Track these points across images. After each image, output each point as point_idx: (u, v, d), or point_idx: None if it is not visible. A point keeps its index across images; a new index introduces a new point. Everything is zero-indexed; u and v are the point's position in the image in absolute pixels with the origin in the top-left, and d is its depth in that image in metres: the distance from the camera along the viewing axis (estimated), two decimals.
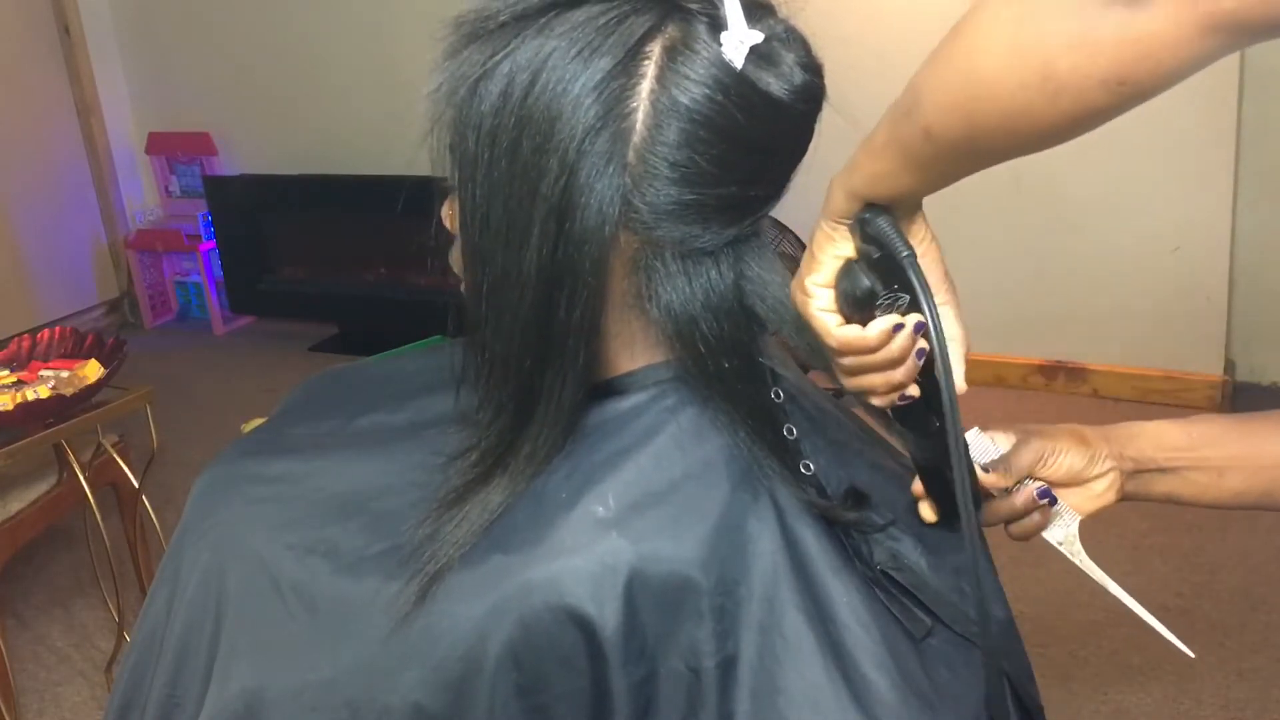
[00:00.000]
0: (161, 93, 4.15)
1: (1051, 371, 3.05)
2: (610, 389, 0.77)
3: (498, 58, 0.66)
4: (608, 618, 0.68)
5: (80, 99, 4.05)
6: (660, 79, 0.65)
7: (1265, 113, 2.77)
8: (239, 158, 4.06)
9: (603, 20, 0.64)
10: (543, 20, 0.65)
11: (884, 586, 0.75)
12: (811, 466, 0.75)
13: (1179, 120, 2.72)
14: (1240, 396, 2.98)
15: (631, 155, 0.66)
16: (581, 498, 0.71)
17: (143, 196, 4.28)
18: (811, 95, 0.69)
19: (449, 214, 0.74)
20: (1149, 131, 2.77)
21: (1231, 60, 2.64)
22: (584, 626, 0.68)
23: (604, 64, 0.64)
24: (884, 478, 0.81)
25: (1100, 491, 0.79)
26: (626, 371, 0.76)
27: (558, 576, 0.68)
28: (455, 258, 0.75)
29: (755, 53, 0.66)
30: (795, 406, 0.78)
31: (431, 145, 0.71)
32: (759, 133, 0.68)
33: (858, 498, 0.76)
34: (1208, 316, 2.92)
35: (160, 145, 4.11)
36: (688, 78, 0.65)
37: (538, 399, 0.72)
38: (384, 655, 0.72)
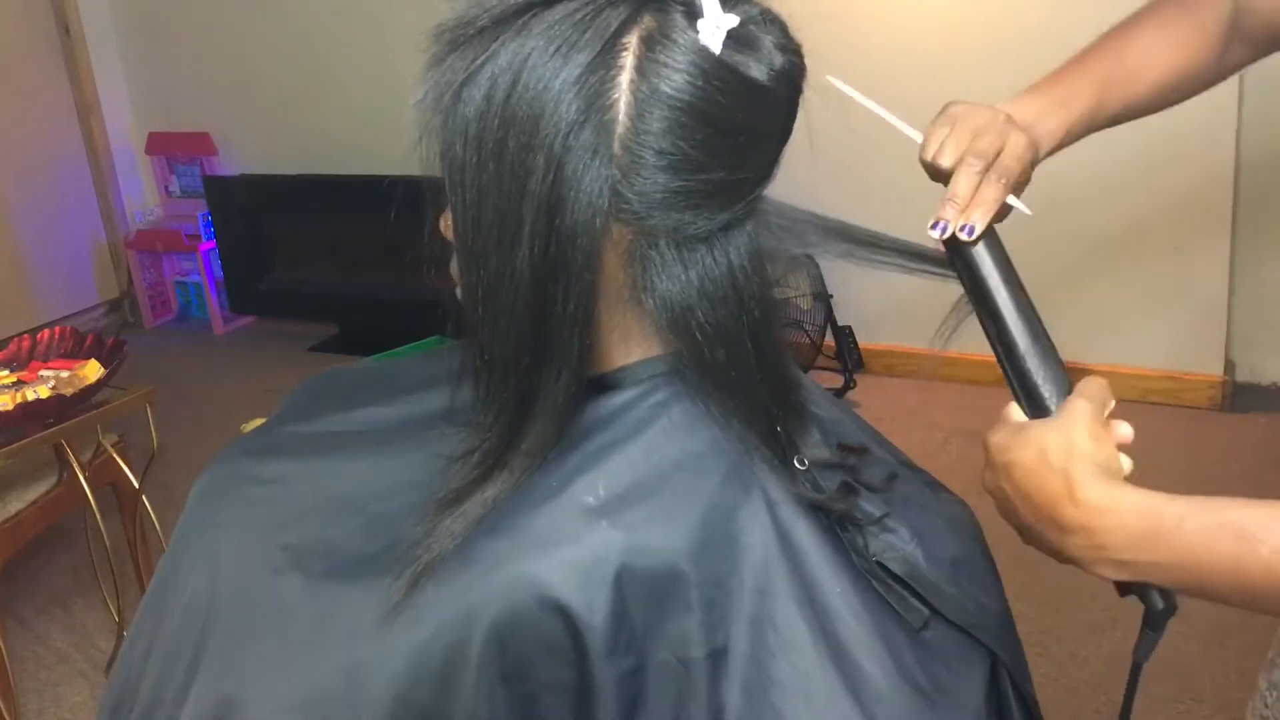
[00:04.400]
0: (161, 93, 4.15)
1: None
2: (604, 383, 0.77)
3: (479, 62, 0.67)
4: (596, 608, 0.68)
5: (80, 99, 4.05)
6: (639, 69, 0.65)
7: (1265, 113, 2.77)
8: (239, 158, 4.06)
9: (579, 16, 0.65)
10: (520, 22, 0.66)
11: (879, 577, 0.75)
12: (806, 462, 0.75)
13: (1179, 120, 2.72)
14: (1240, 396, 2.98)
15: (617, 146, 0.66)
16: (570, 487, 0.71)
17: (143, 196, 4.28)
18: (792, 76, 0.70)
19: (446, 225, 0.74)
20: (1149, 131, 2.76)
21: None
22: (571, 616, 0.68)
23: (582, 58, 0.65)
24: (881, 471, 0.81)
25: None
26: (620, 366, 0.77)
27: (546, 566, 0.68)
28: (455, 266, 0.76)
29: (733, 37, 0.66)
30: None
31: (421, 154, 0.71)
32: (742, 115, 0.68)
33: (850, 489, 0.76)
34: (1208, 316, 2.92)
35: (160, 145, 4.11)
36: (666, 65, 0.65)
37: (536, 396, 0.72)
38: (370, 650, 0.72)
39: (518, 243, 0.68)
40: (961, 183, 0.77)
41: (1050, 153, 0.86)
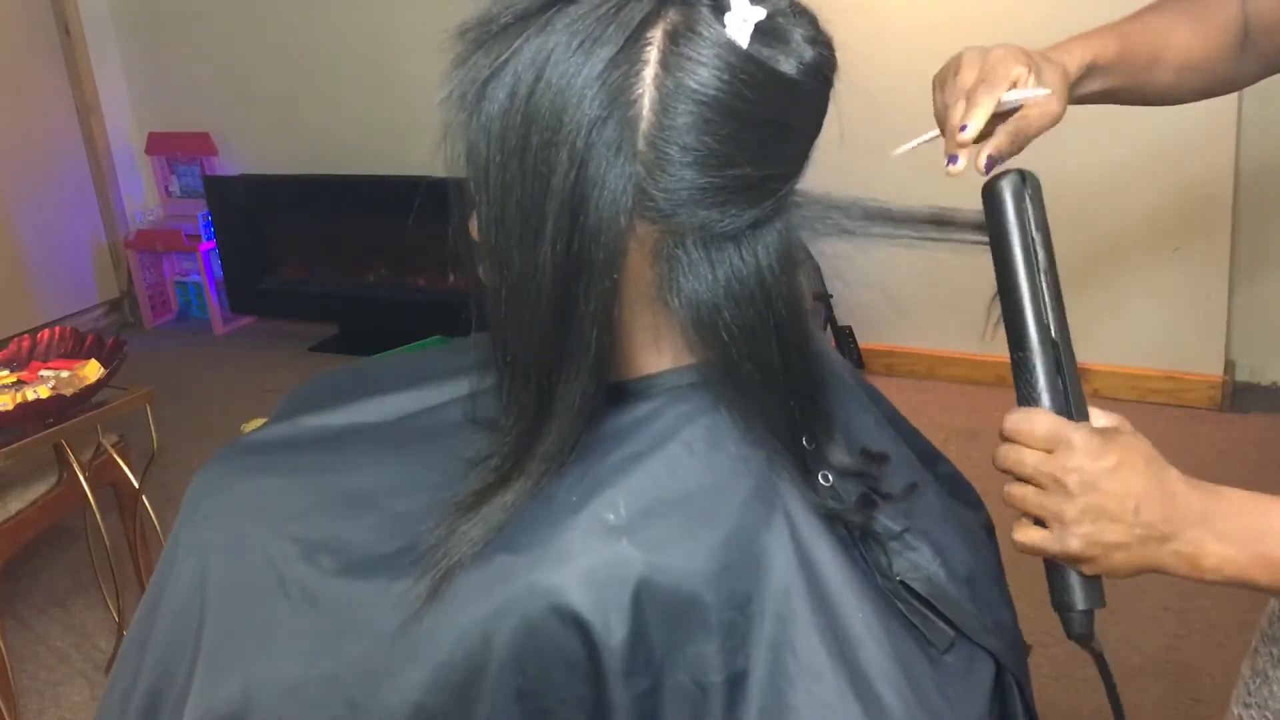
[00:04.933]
0: (161, 93, 4.15)
1: None
2: (629, 392, 0.76)
3: (503, 59, 0.66)
4: (614, 627, 0.67)
5: (80, 99, 4.05)
6: (663, 63, 0.65)
7: (1265, 113, 2.77)
8: (239, 158, 4.06)
9: (602, 11, 0.64)
10: (544, 18, 0.65)
11: (903, 598, 0.75)
12: (830, 478, 0.74)
13: (1179, 120, 2.72)
14: (1240, 396, 2.98)
15: (641, 143, 0.65)
16: (591, 502, 0.70)
17: (143, 196, 4.28)
18: (821, 70, 0.69)
19: (473, 225, 0.74)
20: (1149, 131, 2.77)
21: None
22: (589, 633, 0.67)
23: (605, 53, 0.64)
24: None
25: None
26: (649, 373, 0.76)
27: (565, 581, 0.67)
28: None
29: (761, 30, 0.65)
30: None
31: (446, 154, 0.70)
32: (770, 111, 0.67)
33: (869, 502, 0.75)
34: (1208, 316, 2.92)
35: (160, 145, 4.11)
36: (690, 59, 0.64)
37: (556, 396, 0.71)
38: (387, 654, 0.72)
39: (541, 240, 0.67)
40: (953, 116, 0.77)
41: (1082, 70, 0.83)
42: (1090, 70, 0.83)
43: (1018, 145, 0.79)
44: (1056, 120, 0.79)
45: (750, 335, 0.70)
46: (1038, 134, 0.79)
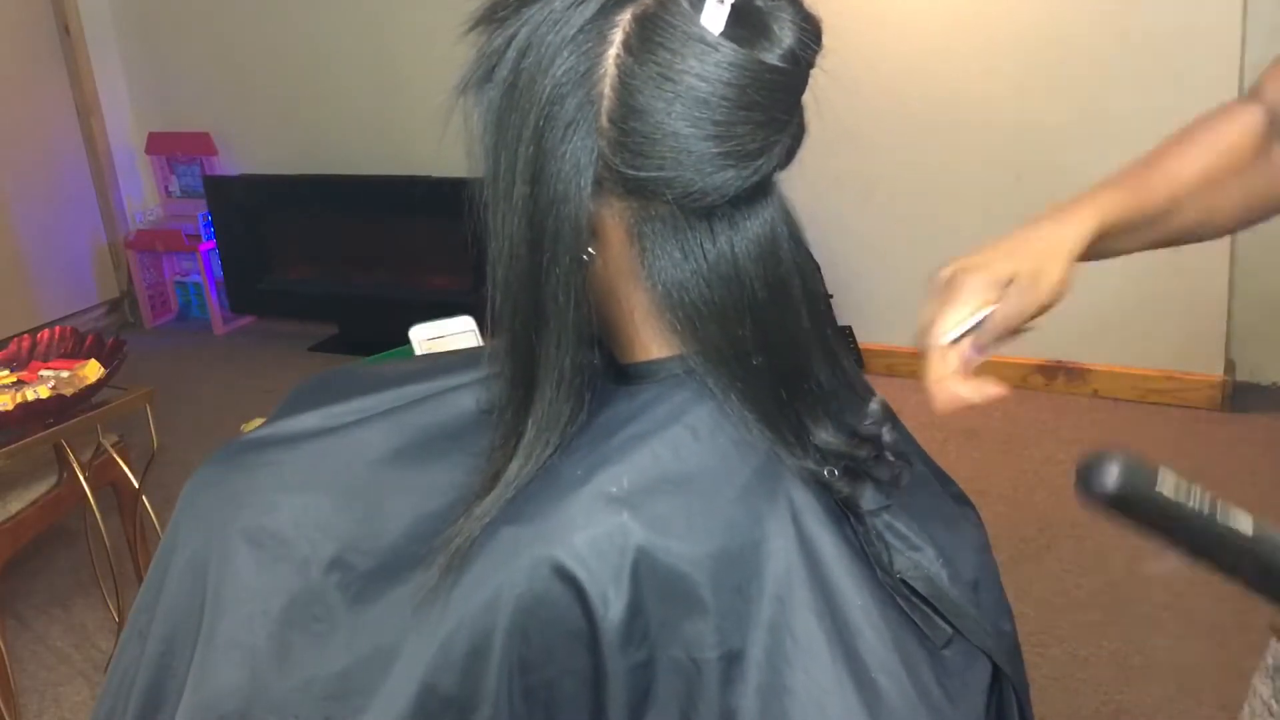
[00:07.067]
0: (161, 93, 4.16)
1: (1051, 371, 3.05)
2: (635, 375, 0.77)
3: (502, 42, 0.69)
4: (612, 597, 0.68)
5: (80, 99, 4.06)
6: (626, 45, 0.66)
7: None
8: (239, 158, 4.06)
9: None
10: (539, 4, 0.68)
11: (904, 595, 0.75)
12: (837, 472, 0.74)
13: (1179, 120, 2.72)
14: (1240, 396, 2.98)
15: (604, 121, 0.67)
16: (595, 476, 0.71)
17: (143, 196, 4.28)
18: (800, 55, 0.68)
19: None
20: (1149, 131, 2.76)
21: (1231, 61, 2.65)
22: (589, 601, 0.68)
23: (573, 33, 0.67)
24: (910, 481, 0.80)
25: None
26: (654, 358, 0.77)
27: (567, 550, 0.68)
28: None
29: (739, 14, 0.66)
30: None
31: (465, 138, 0.73)
32: (739, 94, 0.67)
33: (856, 475, 0.75)
34: (1208, 316, 2.92)
35: (160, 145, 4.11)
36: (655, 42, 0.66)
37: (538, 366, 0.73)
38: (400, 637, 0.73)
39: (511, 212, 0.70)
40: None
41: (1090, 239, 0.78)
42: (1100, 236, 0.79)
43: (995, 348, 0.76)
44: (1045, 310, 0.75)
45: (720, 315, 0.71)
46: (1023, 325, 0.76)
